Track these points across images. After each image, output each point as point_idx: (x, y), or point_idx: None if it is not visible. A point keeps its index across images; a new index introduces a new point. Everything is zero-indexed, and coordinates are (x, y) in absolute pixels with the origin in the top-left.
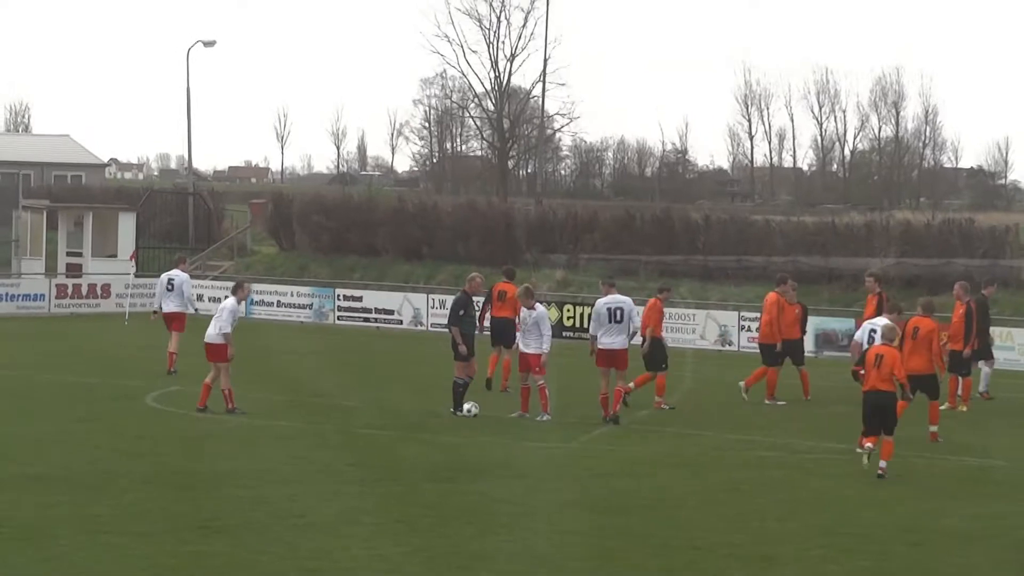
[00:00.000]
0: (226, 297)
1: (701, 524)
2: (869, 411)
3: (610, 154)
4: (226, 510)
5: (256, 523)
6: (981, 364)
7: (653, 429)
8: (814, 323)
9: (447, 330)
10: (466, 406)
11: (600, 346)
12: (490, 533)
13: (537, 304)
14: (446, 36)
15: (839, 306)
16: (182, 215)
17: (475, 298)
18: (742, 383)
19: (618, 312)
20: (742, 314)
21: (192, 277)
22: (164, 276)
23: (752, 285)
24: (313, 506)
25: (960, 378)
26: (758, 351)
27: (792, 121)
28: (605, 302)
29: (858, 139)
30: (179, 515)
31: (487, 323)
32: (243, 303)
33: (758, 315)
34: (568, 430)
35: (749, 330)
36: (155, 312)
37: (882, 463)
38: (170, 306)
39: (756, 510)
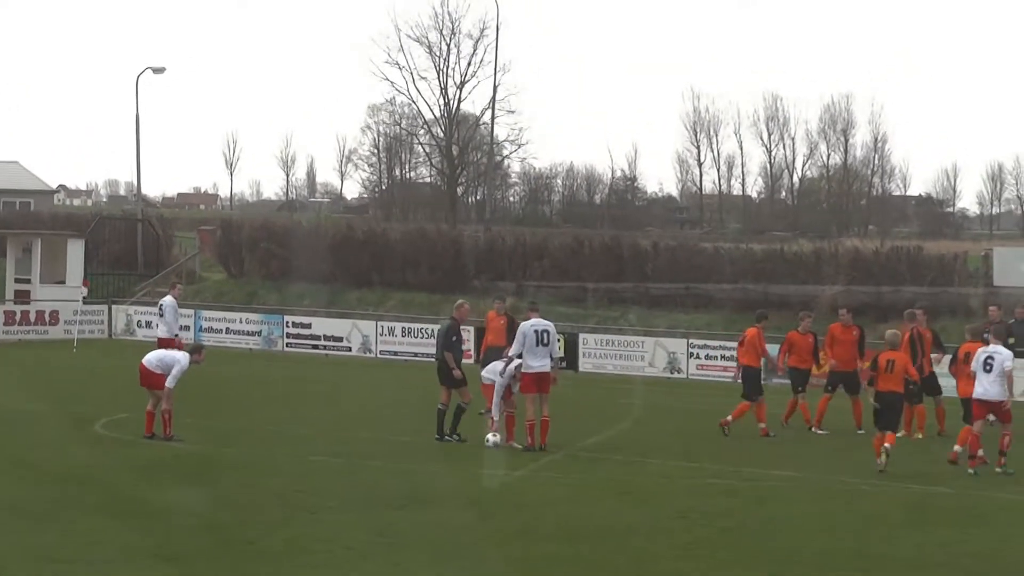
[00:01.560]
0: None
1: (650, 552)
2: (881, 409)
3: (559, 181)
4: (177, 537)
5: (207, 550)
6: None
7: (602, 456)
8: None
9: (436, 358)
10: (492, 438)
11: (528, 370)
12: (441, 561)
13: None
14: (396, 63)
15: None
16: (131, 241)
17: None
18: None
19: (544, 335)
20: (691, 341)
21: (140, 304)
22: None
23: (701, 313)
24: (264, 533)
25: (912, 407)
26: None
27: (741, 148)
28: (531, 324)
29: (807, 166)
30: (130, 543)
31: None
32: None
33: (706, 343)
34: (518, 457)
35: (697, 357)
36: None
37: (887, 445)
38: (159, 332)
39: (705, 538)
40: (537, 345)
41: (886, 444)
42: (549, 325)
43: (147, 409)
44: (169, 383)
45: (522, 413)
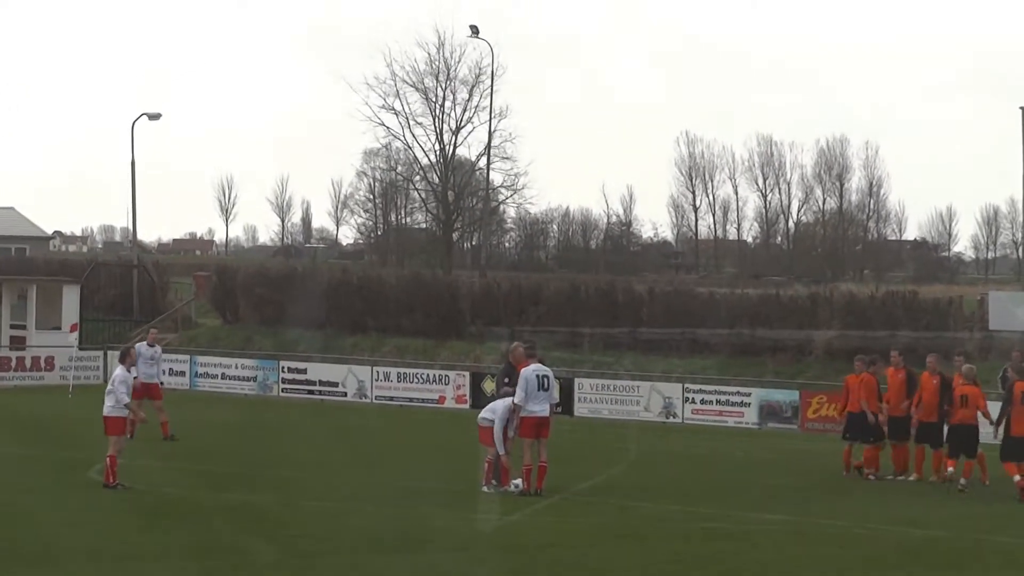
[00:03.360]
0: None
1: None
2: (955, 440)
3: (555, 226)
4: None
5: None
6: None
7: (597, 500)
8: (759, 395)
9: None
10: (514, 481)
11: (527, 415)
12: None
13: None
14: (392, 108)
15: (784, 378)
16: (127, 287)
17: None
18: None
19: (545, 380)
20: (686, 386)
21: None
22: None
23: (696, 357)
24: None
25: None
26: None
27: (736, 193)
28: (533, 370)
29: (802, 211)
30: None
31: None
32: (132, 369)
33: (702, 387)
34: (512, 501)
35: (693, 402)
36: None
37: (962, 480)
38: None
39: None
40: (539, 390)
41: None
42: (548, 371)
43: (109, 454)
44: (123, 399)
45: (519, 457)
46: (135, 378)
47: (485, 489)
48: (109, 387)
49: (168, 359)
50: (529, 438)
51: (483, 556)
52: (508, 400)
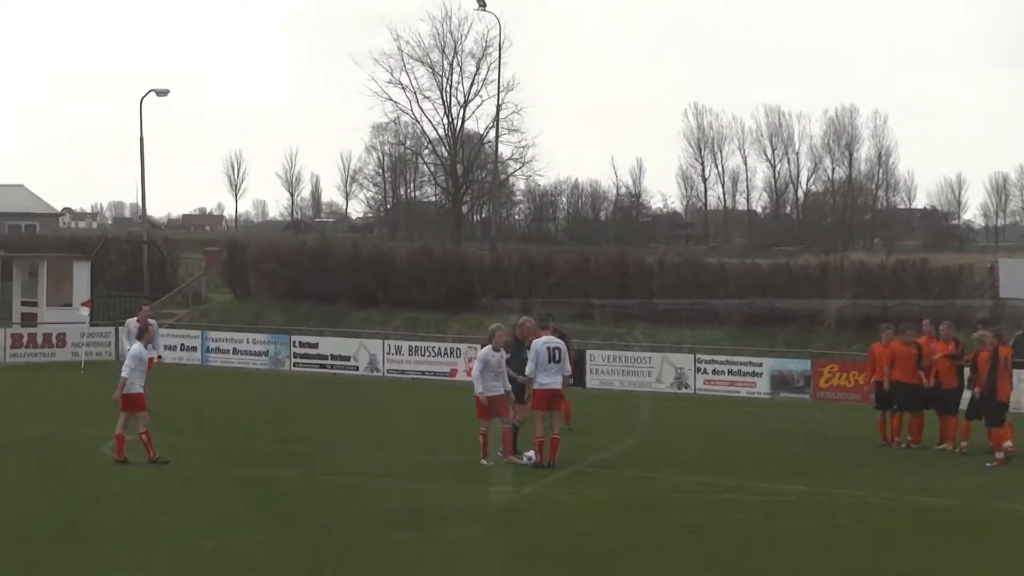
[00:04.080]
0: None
1: (660, 568)
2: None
3: (564, 198)
4: (186, 559)
5: (218, 570)
6: None
7: (609, 472)
8: (770, 365)
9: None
10: (526, 454)
11: (538, 387)
12: None
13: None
14: (399, 83)
15: (795, 347)
16: (137, 263)
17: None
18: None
19: (556, 352)
20: (698, 356)
21: None
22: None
23: (707, 328)
24: (275, 553)
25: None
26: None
27: (745, 163)
28: (544, 342)
29: (811, 181)
30: (141, 565)
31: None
32: (149, 346)
33: (713, 358)
34: (525, 474)
35: (705, 372)
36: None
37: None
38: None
39: (715, 553)
40: (549, 362)
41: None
42: (560, 343)
43: (117, 432)
44: (124, 372)
45: (531, 429)
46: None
47: (484, 462)
48: (127, 363)
49: (179, 335)
50: (541, 410)
51: (497, 530)
52: (483, 350)
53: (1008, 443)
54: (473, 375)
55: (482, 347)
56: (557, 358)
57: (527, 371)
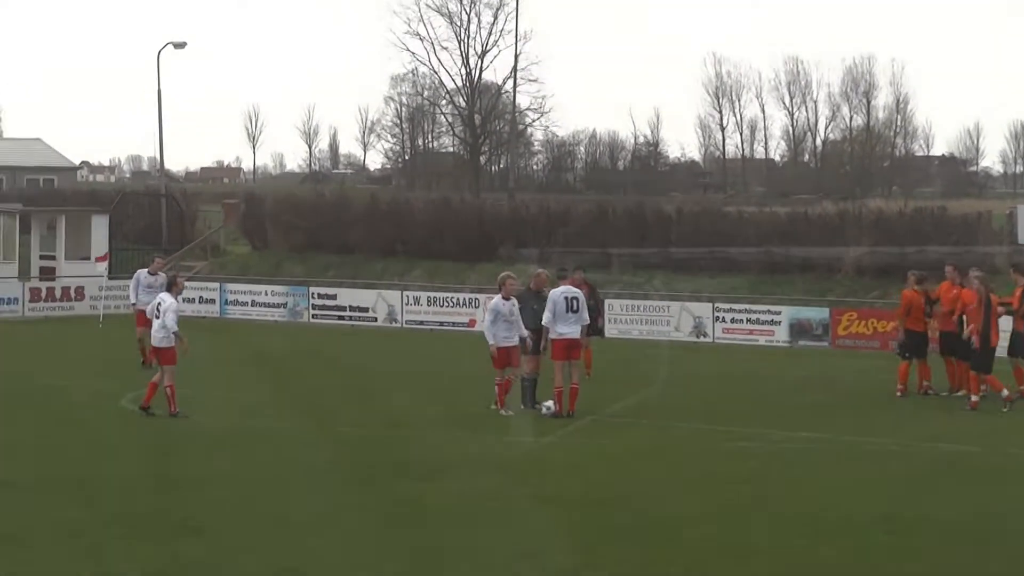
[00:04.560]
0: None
1: (679, 516)
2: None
3: (582, 148)
4: (204, 511)
5: (235, 523)
6: None
7: (628, 422)
8: (789, 313)
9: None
10: (545, 404)
11: (557, 336)
12: (471, 529)
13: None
14: (417, 34)
15: (814, 295)
16: (155, 217)
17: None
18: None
19: (574, 302)
20: (716, 305)
21: None
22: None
23: (726, 276)
24: (293, 505)
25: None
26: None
27: (763, 112)
28: (562, 292)
29: (829, 129)
30: (157, 517)
31: None
32: (179, 296)
33: (732, 306)
34: (544, 424)
35: (723, 321)
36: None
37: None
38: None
39: (734, 500)
40: (567, 312)
41: None
42: (578, 292)
43: (151, 381)
44: (172, 327)
45: (550, 379)
46: (132, 304)
47: (503, 412)
48: (159, 317)
49: (198, 287)
50: (560, 360)
51: (517, 479)
52: (494, 300)
53: (1005, 391)
54: (485, 327)
55: (494, 298)
56: (575, 308)
57: (544, 320)
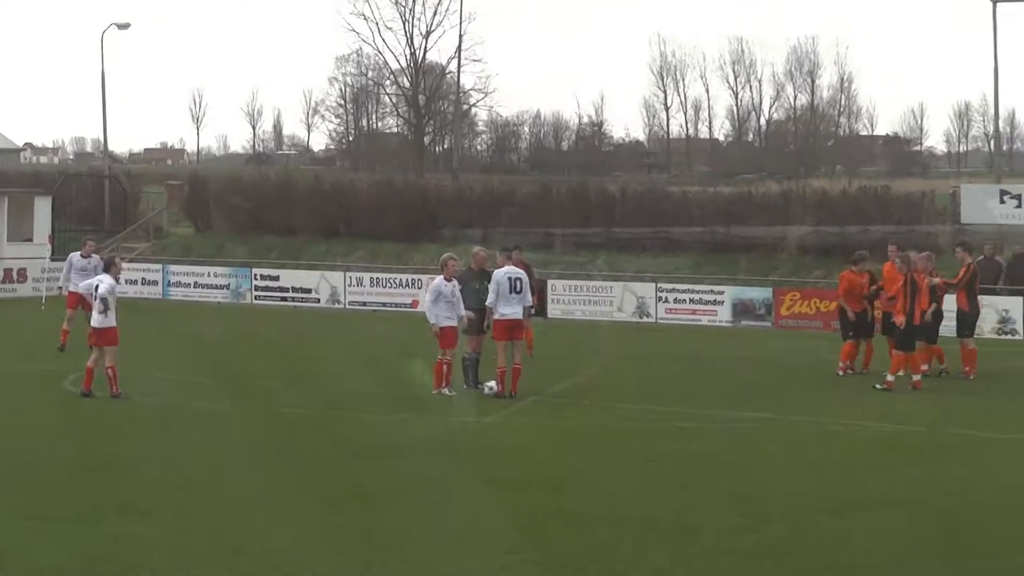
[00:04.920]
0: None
1: (622, 496)
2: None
3: (526, 128)
4: (148, 493)
5: (178, 505)
6: None
7: (571, 402)
8: (732, 293)
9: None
10: (487, 384)
11: (499, 317)
12: (412, 510)
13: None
14: (362, 14)
15: (757, 275)
16: (98, 198)
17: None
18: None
19: (518, 283)
20: (659, 285)
21: None
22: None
23: (669, 256)
24: (235, 486)
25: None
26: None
27: (708, 92)
28: (505, 272)
29: (774, 109)
30: (101, 499)
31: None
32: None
33: (675, 286)
34: (487, 404)
35: (666, 301)
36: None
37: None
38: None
39: (676, 481)
40: (511, 292)
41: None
42: (522, 273)
43: (87, 365)
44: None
45: (493, 359)
46: (59, 288)
47: (445, 391)
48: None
49: (140, 268)
50: (502, 340)
51: (461, 460)
52: (436, 281)
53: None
54: (426, 307)
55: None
56: (518, 288)
57: (488, 301)
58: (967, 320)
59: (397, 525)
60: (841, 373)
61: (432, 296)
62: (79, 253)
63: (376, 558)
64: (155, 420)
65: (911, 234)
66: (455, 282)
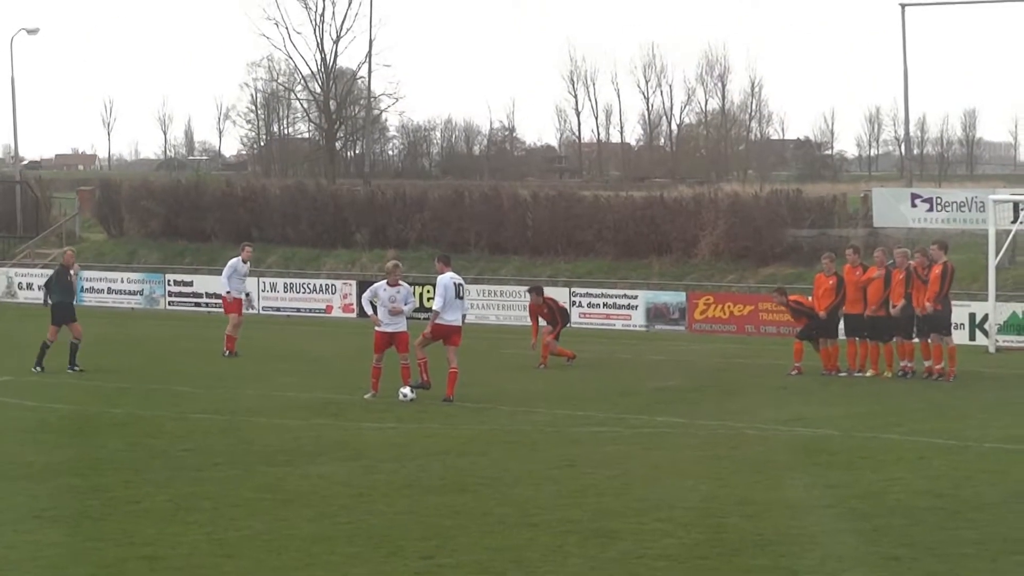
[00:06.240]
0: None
1: (538, 501)
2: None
3: (438, 133)
4: (62, 499)
5: (92, 511)
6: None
7: (487, 407)
8: (645, 297)
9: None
10: (406, 392)
11: (442, 321)
12: (328, 516)
13: (401, 281)
14: (272, 19)
15: (669, 280)
16: (9, 204)
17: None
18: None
19: (460, 288)
20: (573, 290)
21: (20, 266)
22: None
23: (583, 261)
24: (150, 492)
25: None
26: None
27: (619, 97)
28: (451, 277)
29: (685, 113)
30: (14, 506)
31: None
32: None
33: (588, 290)
34: (404, 410)
35: (580, 305)
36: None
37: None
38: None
39: (592, 486)
40: (456, 298)
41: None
42: (462, 280)
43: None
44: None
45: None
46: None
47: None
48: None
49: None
50: (435, 340)
51: (375, 465)
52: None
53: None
54: (364, 299)
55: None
56: (461, 294)
57: (435, 305)
58: (947, 319)
59: (313, 530)
60: (795, 373)
61: (369, 295)
62: (240, 258)
63: (290, 564)
64: (69, 427)
65: (823, 237)
66: (398, 289)
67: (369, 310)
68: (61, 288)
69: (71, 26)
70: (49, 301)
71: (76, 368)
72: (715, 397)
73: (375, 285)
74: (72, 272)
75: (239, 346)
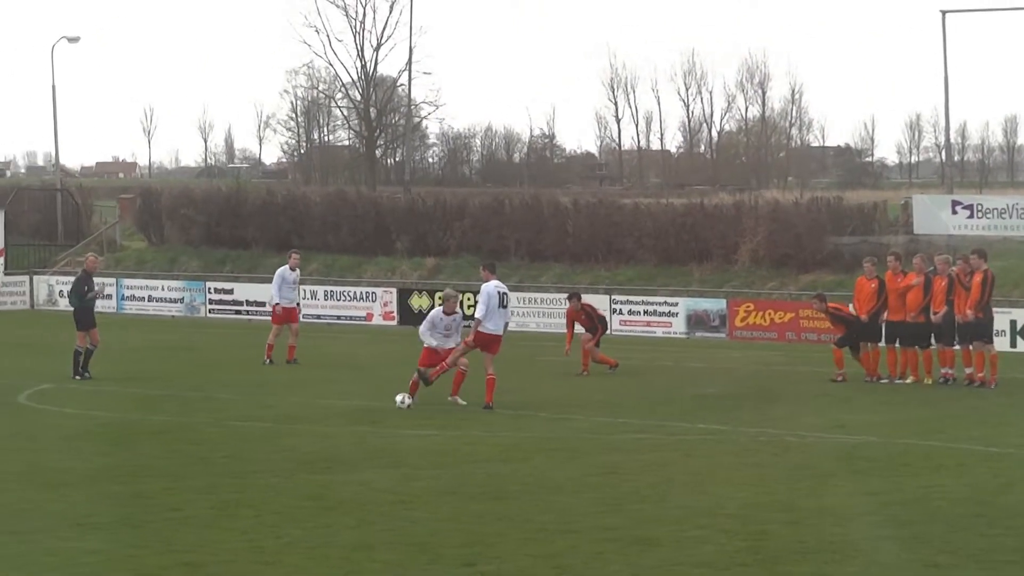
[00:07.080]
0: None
1: (578, 508)
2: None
3: (478, 141)
4: (102, 506)
5: (133, 518)
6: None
7: (527, 414)
8: (686, 304)
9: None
10: (404, 399)
11: (484, 330)
12: (368, 523)
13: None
14: (313, 26)
15: (710, 287)
16: (50, 212)
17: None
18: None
19: (504, 297)
20: (613, 297)
21: (61, 274)
22: None
23: (623, 268)
24: (190, 499)
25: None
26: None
27: (659, 104)
28: (495, 286)
29: (725, 120)
30: (55, 513)
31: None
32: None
33: (628, 298)
34: (445, 417)
35: (620, 313)
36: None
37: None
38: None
39: (632, 493)
40: (500, 307)
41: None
42: (506, 288)
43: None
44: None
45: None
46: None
47: (455, 400)
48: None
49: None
50: (475, 348)
51: (415, 472)
52: (435, 311)
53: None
54: (421, 332)
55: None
56: (505, 303)
57: (478, 313)
58: (988, 327)
59: (353, 538)
60: (841, 379)
61: (427, 324)
62: (288, 267)
63: (331, 571)
64: (110, 434)
65: (864, 245)
66: (454, 317)
67: (429, 341)
68: (80, 294)
69: (112, 34)
70: (93, 293)
71: (87, 375)
72: (756, 404)
73: (432, 315)
74: (94, 291)
75: (298, 354)
